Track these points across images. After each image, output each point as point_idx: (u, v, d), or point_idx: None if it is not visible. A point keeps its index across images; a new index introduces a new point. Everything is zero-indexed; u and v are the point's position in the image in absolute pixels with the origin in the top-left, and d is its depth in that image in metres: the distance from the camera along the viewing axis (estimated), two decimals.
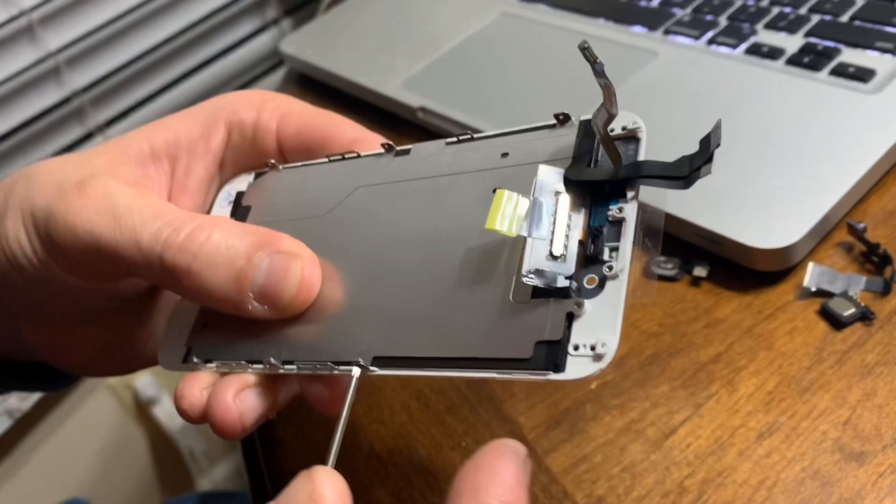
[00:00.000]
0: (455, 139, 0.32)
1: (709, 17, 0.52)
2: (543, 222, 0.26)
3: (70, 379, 0.42)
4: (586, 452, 0.36)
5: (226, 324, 0.32)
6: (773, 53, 0.47)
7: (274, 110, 0.36)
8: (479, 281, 0.28)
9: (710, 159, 0.24)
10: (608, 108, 0.26)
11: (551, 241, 0.26)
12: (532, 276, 0.25)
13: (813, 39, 0.47)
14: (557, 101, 0.50)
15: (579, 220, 0.26)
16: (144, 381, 0.93)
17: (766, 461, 0.33)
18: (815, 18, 0.49)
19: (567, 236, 0.26)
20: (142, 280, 0.36)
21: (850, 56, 0.45)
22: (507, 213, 0.26)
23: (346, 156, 0.35)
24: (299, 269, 0.30)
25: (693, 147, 0.26)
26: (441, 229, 0.30)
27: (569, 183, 0.27)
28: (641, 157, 0.27)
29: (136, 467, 0.96)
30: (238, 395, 0.30)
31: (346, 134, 0.35)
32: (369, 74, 0.60)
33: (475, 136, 0.32)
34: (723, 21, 0.52)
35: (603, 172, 0.27)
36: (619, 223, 0.26)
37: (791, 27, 0.49)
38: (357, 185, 0.33)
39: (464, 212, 0.30)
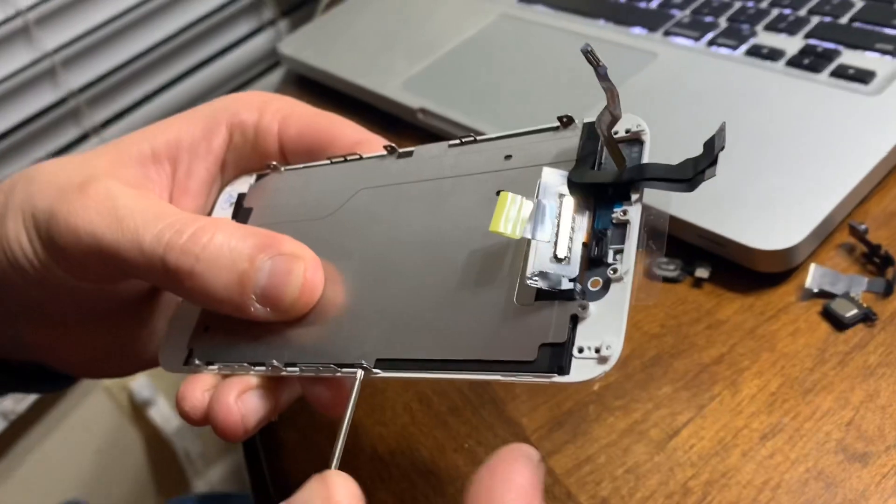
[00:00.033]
0: (458, 141, 0.32)
1: (708, 19, 0.52)
2: (547, 225, 0.26)
3: (69, 380, 0.42)
4: (590, 454, 0.36)
5: (227, 326, 0.32)
6: (774, 55, 0.47)
7: (275, 112, 0.36)
8: (483, 283, 0.27)
9: (714, 162, 0.24)
10: (612, 110, 0.26)
11: (555, 243, 0.26)
12: (536, 278, 0.25)
13: (813, 41, 0.48)
14: (557, 103, 0.51)
15: (583, 222, 0.26)
16: (140, 382, 0.93)
17: (769, 462, 0.33)
18: (815, 20, 0.49)
19: (571, 239, 0.26)
20: (143, 282, 0.36)
21: (850, 58, 0.46)
22: (510, 216, 0.25)
23: (349, 158, 0.35)
24: (302, 271, 0.30)
25: (694, 148, 0.26)
26: (444, 231, 0.30)
27: (573, 185, 0.27)
28: (645, 159, 0.27)
29: (132, 469, 0.96)
30: (240, 398, 0.30)
31: (348, 136, 0.35)
32: (368, 75, 0.60)
33: (478, 138, 0.32)
34: (722, 22, 0.52)
35: (607, 175, 0.27)
36: (623, 226, 0.26)
37: (791, 29, 0.49)
38: (359, 187, 0.33)
39: (467, 214, 0.30)
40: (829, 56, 0.46)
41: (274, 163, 0.36)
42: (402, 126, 0.57)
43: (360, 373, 0.28)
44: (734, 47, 0.49)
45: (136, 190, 0.32)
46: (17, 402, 0.80)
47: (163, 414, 0.94)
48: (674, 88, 0.48)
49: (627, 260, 0.25)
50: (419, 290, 0.29)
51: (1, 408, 0.80)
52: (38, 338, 0.37)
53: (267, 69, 0.90)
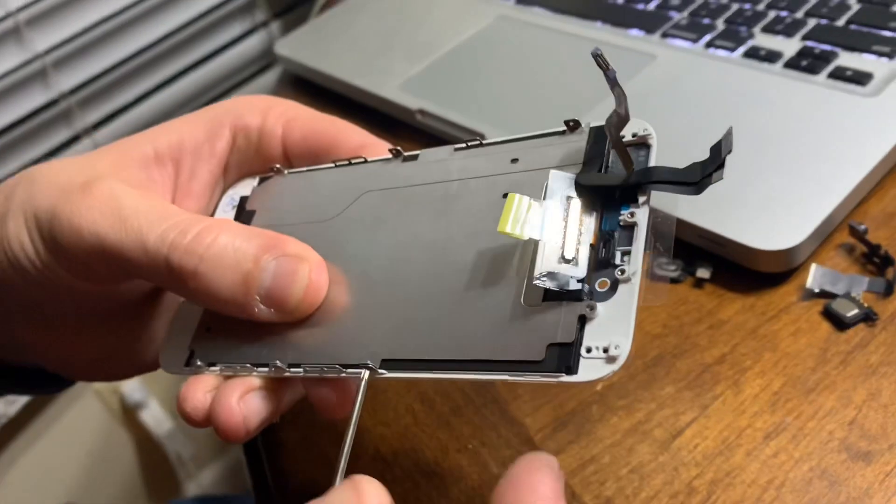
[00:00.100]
0: (464, 145, 0.32)
1: (706, 21, 0.53)
2: (555, 226, 0.26)
3: (65, 382, 0.42)
4: (594, 454, 0.36)
5: (230, 327, 0.32)
6: (771, 57, 0.48)
7: (279, 115, 0.36)
8: (490, 284, 0.28)
9: (721, 166, 0.25)
10: (621, 114, 0.26)
11: (563, 244, 0.26)
12: (544, 278, 0.25)
13: (810, 43, 0.48)
14: (555, 104, 0.51)
15: (590, 224, 0.27)
16: (131, 385, 0.92)
17: (773, 461, 0.34)
18: (812, 22, 0.49)
19: (579, 240, 0.26)
20: (144, 282, 0.36)
21: (847, 60, 0.46)
22: (519, 217, 0.26)
23: (353, 161, 0.35)
24: (306, 272, 0.30)
25: (693, 149, 0.26)
26: (451, 233, 0.30)
27: (580, 188, 0.27)
28: (652, 163, 0.27)
29: (124, 472, 0.96)
30: (242, 399, 0.30)
31: (353, 139, 0.35)
32: (366, 76, 0.60)
33: (483, 141, 0.32)
34: (720, 24, 0.52)
35: (614, 178, 0.27)
36: (630, 228, 0.26)
37: (788, 31, 0.49)
38: (364, 190, 0.33)
39: (473, 216, 0.30)
40: (827, 58, 0.46)
41: (277, 166, 0.36)
42: (401, 127, 0.57)
43: (365, 373, 0.28)
44: (732, 49, 0.49)
45: (140, 190, 0.32)
46: (8, 405, 0.80)
47: (154, 416, 0.93)
48: (672, 90, 0.48)
49: (635, 261, 0.25)
50: (425, 292, 0.29)
51: None
52: (37, 339, 0.37)
53: (259, 71, 0.89)
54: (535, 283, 0.25)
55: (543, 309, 0.26)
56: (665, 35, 0.53)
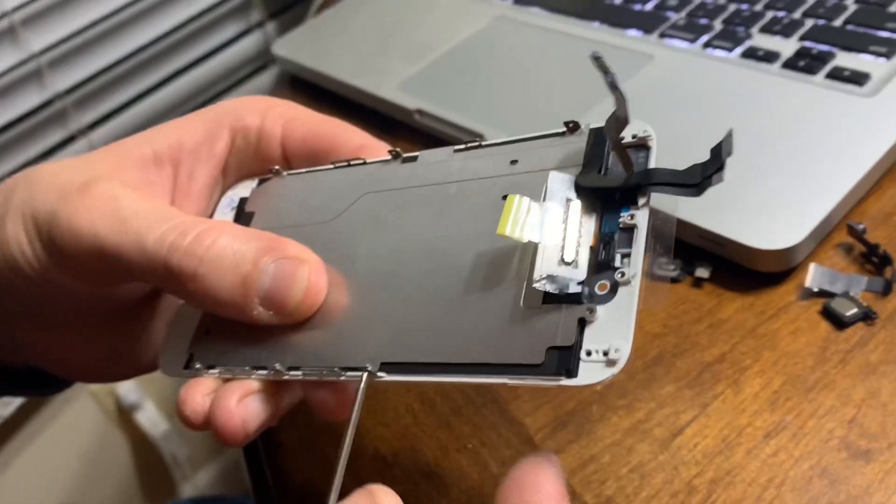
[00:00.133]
0: (463, 146, 0.32)
1: (703, 21, 0.53)
2: (555, 228, 0.26)
3: (63, 384, 0.42)
4: (594, 453, 0.36)
5: (229, 329, 0.32)
6: (769, 57, 0.48)
7: (279, 116, 0.36)
8: (489, 286, 0.27)
9: (721, 168, 0.25)
10: (621, 116, 0.26)
11: (563, 246, 0.26)
12: (544, 281, 0.25)
13: (808, 43, 0.48)
14: (553, 104, 0.51)
15: (590, 226, 0.27)
16: (127, 386, 0.92)
17: (773, 460, 0.34)
18: (809, 23, 0.49)
19: (578, 242, 0.26)
20: (143, 284, 0.36)
21: (845, 60, 0.46)
22: (518, 219, 0.26)
23: (352, 162, 0.34)
24: (306, 274, 0.30)
25: (691, 149, 0.26)
26: (450, 235, 0.30)
27: (580, 190, 0.27)
28: (652, 164, 0.27)
29: (119, 474, 0.95)
30: (241, 402, 0.30)
31: (352, 141, 0.35)
32: (364, 77, 0.60)
33: (483, 143, 0.32)
34: (717, 25, 0.52)
35: (615, 180, 0.27)
36: (630, 230, 0.26)
37: (786, 31, 0.49)
38: (364, 192, 0.33)
39: (473, 218, 0.30)
40: (824, 58, 0.46)
41: (276, 167, 0.36)
42: (399, 127, 0.57)
43: (364, 376, 0.28)
44: (730, 49, 0.50)
45: (139, 192, 0.32)
46: (3, 407, 0.80)
47: (150, 418, 0.93)
48: (671, 90, 0.48)
49: (635, 263, 0.25)
50: (425, 294, 0.29)
51: None
52: (35, 341, 0.37)
53: (255, 71, 0.89)
54: (534, 285, 0.25)
55: (543, 312, 0.26)
56: (663, 35, 0.53)
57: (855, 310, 0.37)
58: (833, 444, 0.33)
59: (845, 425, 0.34)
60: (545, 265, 0.25)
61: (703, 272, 0.41)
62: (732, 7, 0.53)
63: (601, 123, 0.28)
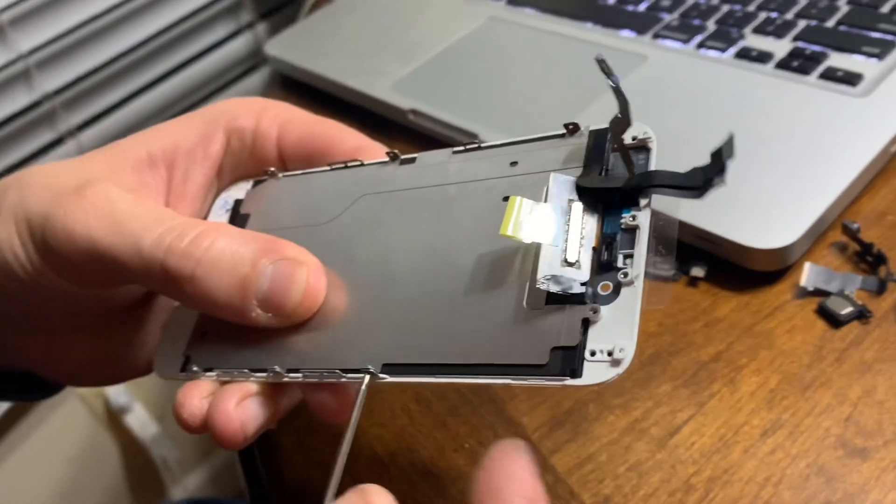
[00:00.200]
0: (462, 147, 0.32)
1: (696, 22, 0.53)
2: (557, 229, 0.26)
3: (55, 388, 0.41)
4: (591, 452, 0.36)
5: (226, 331, 0.31)
6: (762, 57, 0.48)
7: (274, 117, 0.36)
8: (491, 287, 0.27)
9: (723, 171, 0.25)
10: (624, 118, 0.26)
11: (565, 247, 0.26)
12: (547, 281, 0.25)
13: (801, 44, 0.48)
14: (547, 104, 0.51)
15: (592, 227, 0.27)
16: (116, 389, 0.91)
17: (770, 458, 0.34)
18: (802, 24, 0.50)
19: (581, 243, 0.26)
20: (137, 287, 0.36)
21: (838, 60, 0.46)
22: (521, 220, 0.26)
23: (349, 164, 0.34)
24: (304, 276, 0.30)
25: (687, 149, 0.26)
26: (451, 237, 0.30)
27: (582, 191, 0.27)
28: (652, 166, 0.27)
29: (108, 477, 0.95)
30: (240, 404, 0.30)
31: (349, 142, 0.35)
32: (358, 77, 0.60)
33: (482, 144, 0.32)
34: (711, 26, 0.52)
35: (616, 181, 0.27)
36: (632, 231, 0.26)
37: (779, 32, 0.49)
38: (361, 193, 0.33)
39: (473, 219, 0.30)
40: (818, 59, 0.47)
41: (272, 169, 0.36)
42: (392, 127, 0.57)
43: (366, 378, 0.28)
44: (723, 50, 0.50)
45: (134, 194, 0.32)
46: None
47: (140, 421, 0.92)
48: (665, 90, 0.48)
49: (638, 264, 0.25)
50: (426, 295, 0.29)
51: None
52: (28, 345, 0.36)
53: (245, 72, 0.89)
54: (537, 286, 0.25)
55: (546, 312, 0.26)
56: (656, 36, 0.53)
57: (850, 308, 0.37)
58: (830, 442, 0.34)
59: (841, 423, 0.34)
60: (548, 266, 0.26)
61: (698, 271, 0.41)
62: (725, 8, 0.53)
63: (601, 125, 0.28)
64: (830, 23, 0.49)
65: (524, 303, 0.26)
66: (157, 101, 0.82)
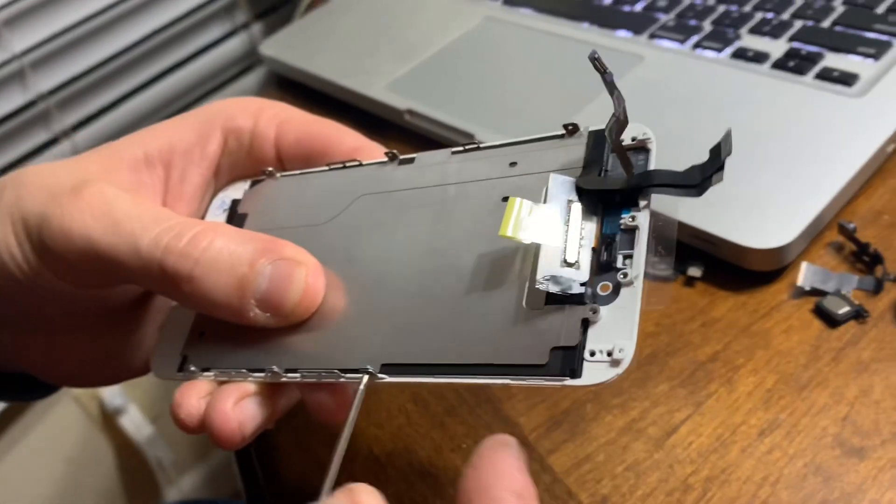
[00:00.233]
0: (461, 148, 0.32)
1: (693, 23, 0.53)
2: (556, 229, 0.26)
3: (51, 389, 0.41)
4: (589, 452, 0.36)
5: (224, 331, 0.31)
6: (759, 58, 0.48)
7: (272, 117, 0.36)
8: (491, 287, 0.27)
9: (721, 168, 0.25)
10: (620, 118, 0.26)
11: (564, 248, 0.26)
12: (547, 282, 0.25)
13: (797, 44, 0.48)
14: (543, 104, 0.51)
15: (591, 228, 0.27)
16: (111, 391, 0.91)
17: (768, 457, 0.34)
18: (798, 24, 0.50)
19: (580, 244, 0.26)
20: (132, 288, 0.36)
21: (834, 61, 0.46)
22: (520, 220, 0.26)
23: (348, 164, 0.34)
24: (303, 276, 0.30)
25: (683, 149, 0.26)
26: (450, 237, 0.30)
27: (581, 192, 0.27)
28: (651, 166, 0.27)
29: (103, 479, 0.94)
30: (238, 405, 0.30)
31: (347, 142, 0.35)
32: (353, 77, 0.60)
33: (481, 145, 0.32)
34: (707, 26, 0.52)
35: (616, 181, 0.27)
36: (631, 231, 0.26)
37: (775, 32, 0.50)
38: (360, 194, 0.33)
39: (473, 220, 0.30)
40: (814, 59, 0.47)
41: (270, 168, 0.36)
42: (388, 128, 0.57)
43: (365, 378, 0.28)
44: (719, 50, 0.50)
45: (131, 194, 0.32)
46: None
47: (134, 422, 0.92)
48: (662, 90, 0.48)
49: (637, 264, 0.25)
50: (425, 296, 0.29)
51: None
52: (24, 345, 0.36)
53: (240, 73, 0.89)
54: (537, 286, 0.25)
55: (546, 312, 0.26)
56: (652, 36, 0.53)
57: (847, 308, 0.37)
58: (827, 441, 0.34)
59: (839, 423, 0.34)
60: (548, 266, 0.26)
61: (695, 271, 0.41)
62: (721, 8, 0.53)
63: (600, 126, 0.28)
64: (826, 23, 0.49)
65: (523, 303, 0.26)
66: (151, 102, 0.82)
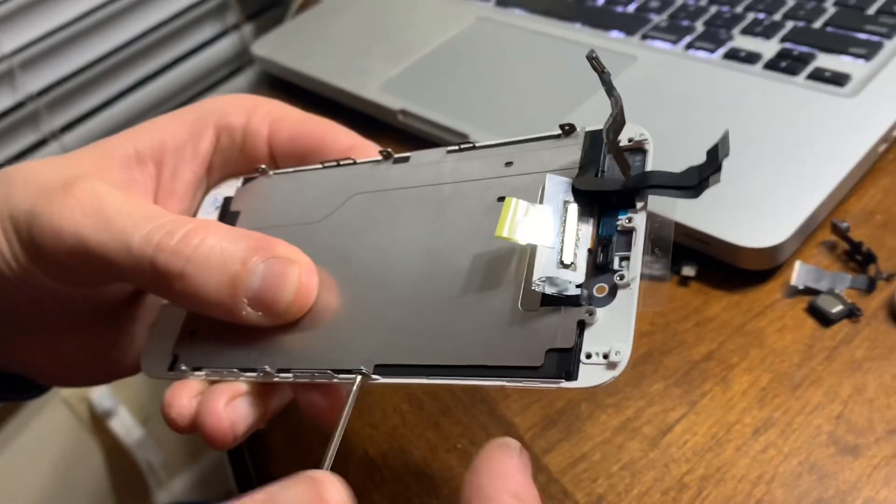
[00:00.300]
0: (456, 147, 0.32)
1: (685, 23, 0.53)
2: (553, 230, 0.26)
3: (41, 389, 0.41)
4: (584, 451, 0.36)
5: (215, 330, 0.31)
6: (751, 58, 0.48)
7: (265, 115, 0.35)
8: (486, 289, 0.27)
9: (718, 169, 0.25)
10: (617, 119, 0.26)
11: (561, 249, 0.26)
12: (543, 283, 0.25)
13: (788, 45, 0.49)
14: (536, 104, 0.51)
15: (588, 229, 0.27)
16: (100, 393, 0.90)
17: (763, 456, 0.34)
18: (790, 24, 0.50)
19: (576, 245, 0.26)
20: (125, 285, 0.35)
21: (825, 61, 0.47)
22: (516, 221, 0.25)
23: (342, 162, 0.34)
24: (296, 274, 0.30)
25: (677, 148, 0.26)
26: (445, 237, 0.29)
27: (577, 193, 0.27)
28: (649, 167, 0.27)
29: (92, 482, 0.94)
30: (230, 404, 0.30)
31: (341, 141, 0.35)
32: (347, 77, 0.60)
33: (477, 144, 0.31)
34: (699, 26, 0.52)
35: (613, 182, 0.27)
36: (628, 233, 0.26)
37: (767, 33, 0.50)
38: (354, 192, 0.33)
39: (468, 220, 0.29)
40: (805, 59, 0.47)
41: (263, 166, 0.35)
42: (381, 128, 0.57)
43: (358, 379, 0.27)
44: (712, 50, 0.50)
45: (123, 191, 0.32)
46: None
47: (124, 424, 0.92)
48: (655, 91, 0.49)
49: (634, 266, 0.25)
50: (420, 296, 0.28)
51: None
52: (14, 345, 0.36)
53: (231, 74, 0.89)
54: (533, 287, 0.25)
55: (542, 314, 0.26)
56: (645, 37, 0.53)
57: (840, 307, 0.37)
58: (821, 439, 0.34)
59: (833, 421, 0.34)
60: (543, 267, 0.25)
61: (689, 270, 0.41)
62: (714, 9, 0.53)
63: (597, 126, 0.28)
64: (818, 24, 0.49)
65: (519, 304, 0.26)
66: (141, 103, 0.82)
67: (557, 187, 0.27)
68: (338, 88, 0.60)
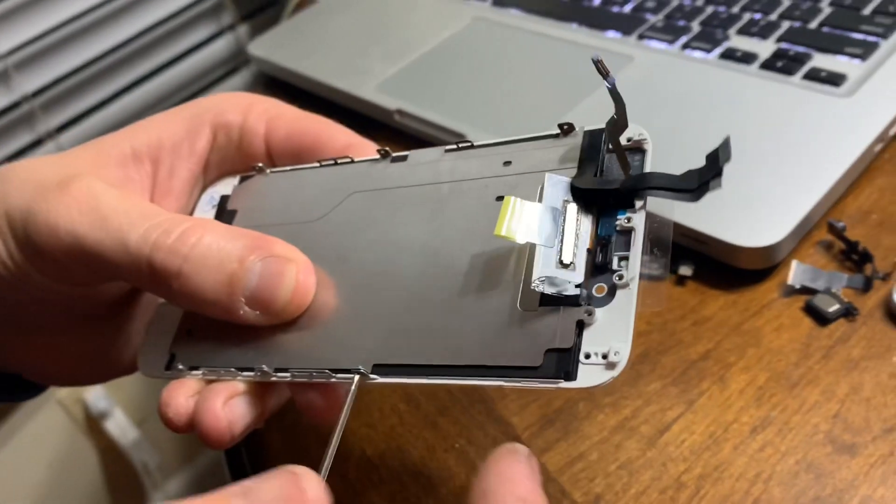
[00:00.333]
0: (454, 146, 0.32)
1: (681, 23, 0.53)
2: (552, 230, 0.26)
3: (38, 389, 0.41)
4: (582, 451, 0.36)
5: (212, 329, 0.31)
6: (747, 58, 0.48)
7: (262, 113, 0.35)
8: (484, 288, 0.27)
9: (719, 174, 0.25)
10: (621, 120, 0.26)
11: (560, 249, 0.26)
12: (541, 283, 0.25)
13: (784, 45, 0.49)
14: (532, 104, 0.51)
15: (587, 229, 0.26)
16: (96, 393, 0.90)
17: (760, 455, 0.34)
18: (786, 25, 0.50)
19: (575, 244, 0.26)
20: (121, 284, 0.35)
21: (822, 61, 0.47)
22: (515, 220, 0.25)
23: (339, 161, 0.34)
24: (294, 273, 0.29)
25: (674, 148, 0.26)
26: (443, 236, 0.29)
27: (576, 192, 0.27)
28: (647, 168, 0.27)
29: (88, 484, 0.93)
30: (227, 404, 0.30)
31: (339, 139, 0.35)
32: (343, 77, 0.60)
33: (475, 143, 0.31)
34: (695, 27, 0.53)
35: (612, 183, 0.27)
36: (627, 233, 0.26)
37: (763, 33, 0.50)
38: (351, 191, 0.33)
39: (466, 219, 0.29)
40: (801, 59, 0.47)
41: (259, 165, 0.35)
42: (378, 128, 0.57)
43: (356, 378, 0.27)
44: (708, 50, 0.50)
45: (119, 189, 0.31)
46: None
47: (119, 425, 0.91)
48: (651, 91, 0.49)
49: (633, 266, 0.25)
50: (418, 295, 0.28)
51: None
52: (10, 344, 0.36)
53: (226, 74, 0.89)
54: (532, 287, 0.25)
55: (540, 314, 0.26)
56: (642, 37, 0.53)
57: (837, 306, 0.37)
58: (818, 438, 0.34)
59: (830, 420, 0.34)
60: (543, 267, 0.25)
61: (686, 270, 0.41)
62: (710, 9, 0.53)
63: (595, 125, 0.28)
64: (814, 24, 0.49)
65: (518, 304, 0.26)
66: (137, 104, 0.82)
67: (556, 187, 0.27)
68: (334, 88, 0.60)
